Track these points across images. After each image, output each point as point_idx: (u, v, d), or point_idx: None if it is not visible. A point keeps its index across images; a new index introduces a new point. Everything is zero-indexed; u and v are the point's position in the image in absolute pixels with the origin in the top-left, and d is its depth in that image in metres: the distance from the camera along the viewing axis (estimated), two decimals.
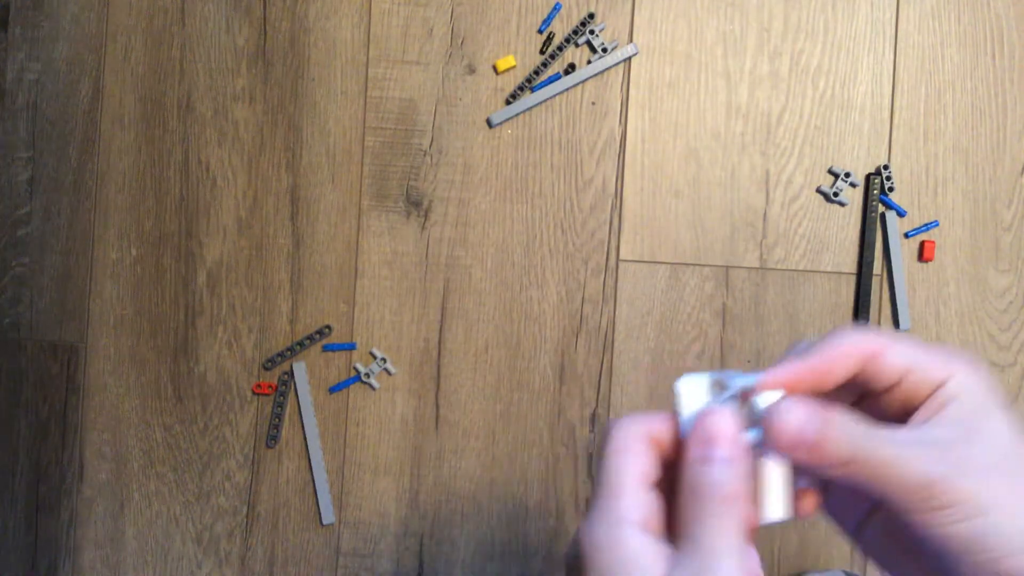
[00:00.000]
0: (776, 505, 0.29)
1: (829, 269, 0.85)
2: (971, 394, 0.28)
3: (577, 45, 0.85)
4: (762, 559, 0.41)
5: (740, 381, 0.29)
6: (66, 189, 0.88)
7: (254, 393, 0.86)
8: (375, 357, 0.86)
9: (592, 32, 0.85)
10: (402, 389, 0.86)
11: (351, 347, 0.86)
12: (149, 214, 0.87)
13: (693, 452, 0.28)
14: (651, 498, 0.28)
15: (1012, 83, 0.85)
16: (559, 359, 0.85)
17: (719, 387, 0.29)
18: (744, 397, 0.29)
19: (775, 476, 0.29)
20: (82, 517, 0.87)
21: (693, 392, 0.30)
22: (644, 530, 0.27)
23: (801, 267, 0.85)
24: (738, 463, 0.27)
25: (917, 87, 0.85)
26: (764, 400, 0.29)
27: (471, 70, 0.86)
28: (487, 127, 0.86)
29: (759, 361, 0.85)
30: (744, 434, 0.28)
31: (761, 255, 0.85)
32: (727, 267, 0.85)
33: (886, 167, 0.84)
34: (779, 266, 0.85)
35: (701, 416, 0.28)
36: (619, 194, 0.85)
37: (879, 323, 0.85)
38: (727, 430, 0.28)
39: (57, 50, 0.88)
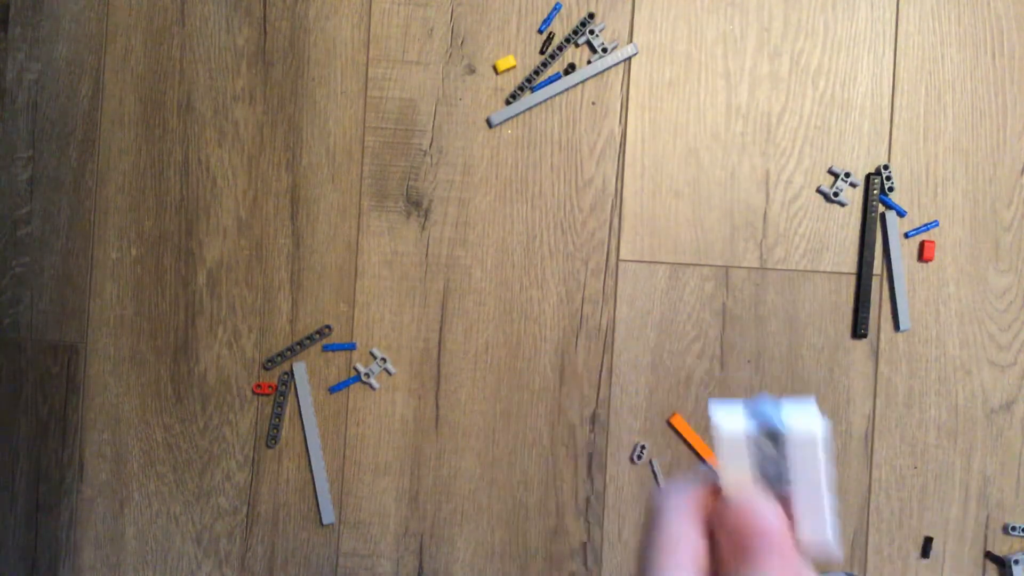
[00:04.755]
0: (835, 533, 0.30)
1: (829, 269, 0.85)
2: None
3: (577, 45, 0.85)
4: None
5: (775, 417, 0.30)
6: (66, 189, 0.88)
7: (254, 393, 0.86)
8: (375, 357, 0.86)
9: (592, 32, 0.85)
10: (402, 389, 0.86)
11: (351, 347, 0.86)
12: (149, 214, 0.87)
13: (749, 548, 0.29)
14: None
15: (1012, 83, 0.85)
16: (559, 359, 0.85)
17: (755, 422, 0.30)
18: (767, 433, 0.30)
19: (825, 498, 0.30)
20: (82, 517, 0.87)
21: (732, 436, 0.30)
22: None
23: (801, 267, 0.85)
24: (797, 557, 0.29)
25: (917, 87, 0.85)
26: (795, 417, 0.29)
27: (471, 70, 0.86)
28: (487, 127, 0.86)
29: (759, 361, 0.85)
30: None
31: (761, 255, 0.85)
32: (727, 267, 0.85)
33: (886, 167, 0.84)
34: (779, 266, 0.85)
35: (748, 510, 0.30)
36: (619, 194, 0.85)
37: (879, 323, 0.85)
38: (781, 530, 0.29)
39: (57, 50, 0.88)
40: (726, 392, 0.85)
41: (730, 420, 0.30)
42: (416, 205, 0.86)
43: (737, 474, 0.30)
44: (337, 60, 0.87)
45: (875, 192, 0.84)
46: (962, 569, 0.84)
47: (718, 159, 0.85)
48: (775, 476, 0.30)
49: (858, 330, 0.84)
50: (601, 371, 0.85)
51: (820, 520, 0.29)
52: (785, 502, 0.30)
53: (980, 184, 0.85)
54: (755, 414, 0.30)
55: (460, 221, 0.86)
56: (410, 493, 0.86)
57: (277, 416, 0.86)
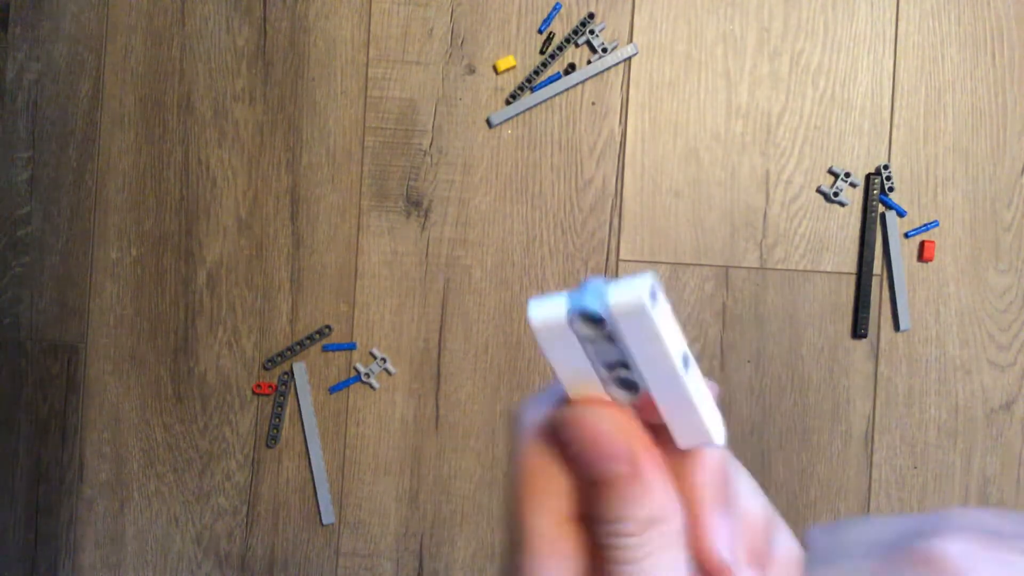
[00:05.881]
0: (715, 425, 0.22)
1: (829, 269, 0.85)
2: None
3: (577, 45, 0.85)
4: None
5: (597, 298, 0.20)
6: (66, 189, 0.88)
7: (254, 393, 0.86)
8: (375, 357, 0.86)
9: (592, 32, 0.85)
10: (402, 389, 0.86)
11: (351, 347, 0.86)
12: (149, 214, 0.87)
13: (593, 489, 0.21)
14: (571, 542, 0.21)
15: (1012, 83, 0.85)
16: None
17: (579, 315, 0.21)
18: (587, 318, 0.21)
19: (698, 385, 0.21)
20: (82, 517, 0.87)
21: (550, 327, 0.21)
22: None
23: (801, 267, 0.85)
24: (659, 482, 0.21)
25: (917, 87, 0.85)
26: (625, 292, 0.20)
27: (471, 70, 0.86)
28: (487, 127, 0.86)
29: (759, 361, 0.85)
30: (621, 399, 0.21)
31: (761, 255, 0.85)
32: (727, 267, 0.85)
33: (886, 167, 0.84)
34: (779, 266, 0.85)
35: (573, 420, 0.21)
36: (619, 194, 0.85)
37: (879, 323, 0.85)
38: (623, 439, 0.21)
39: (57, 50, 0.88)
40: (726, 392, 0.85)
41: (546, 309, 0.21)
42: (416, 205, 0.86)
43: (576, 374, 0.22)
44: (337, 60, 0.87)
45: (875, 192, 0.84)
46: None
47: (718, 159, 0.85)
48: (622, 366, 0.21)
49: (858, 330, 0.84)
50: None
51: (689, 412, 0.21)
52: (650, 403, 0.21)
53: (980, 184, 0.85)
54: (573, 298, 0.21)
55: (460, 221, 0.86)
56: (410, 493, 0.86)
57: (277, 416, 0.86)
